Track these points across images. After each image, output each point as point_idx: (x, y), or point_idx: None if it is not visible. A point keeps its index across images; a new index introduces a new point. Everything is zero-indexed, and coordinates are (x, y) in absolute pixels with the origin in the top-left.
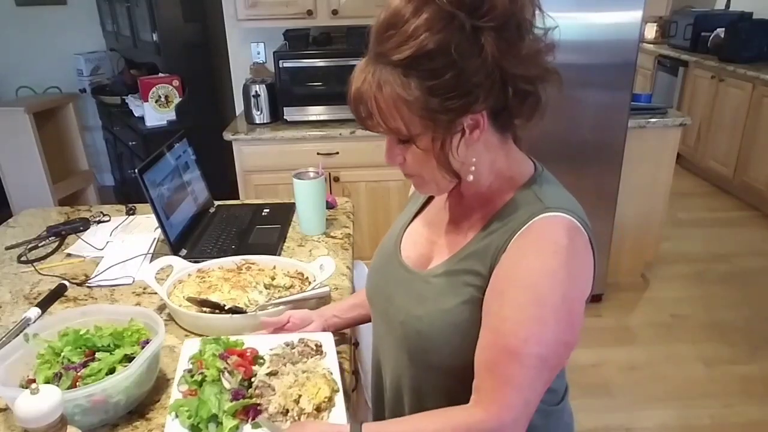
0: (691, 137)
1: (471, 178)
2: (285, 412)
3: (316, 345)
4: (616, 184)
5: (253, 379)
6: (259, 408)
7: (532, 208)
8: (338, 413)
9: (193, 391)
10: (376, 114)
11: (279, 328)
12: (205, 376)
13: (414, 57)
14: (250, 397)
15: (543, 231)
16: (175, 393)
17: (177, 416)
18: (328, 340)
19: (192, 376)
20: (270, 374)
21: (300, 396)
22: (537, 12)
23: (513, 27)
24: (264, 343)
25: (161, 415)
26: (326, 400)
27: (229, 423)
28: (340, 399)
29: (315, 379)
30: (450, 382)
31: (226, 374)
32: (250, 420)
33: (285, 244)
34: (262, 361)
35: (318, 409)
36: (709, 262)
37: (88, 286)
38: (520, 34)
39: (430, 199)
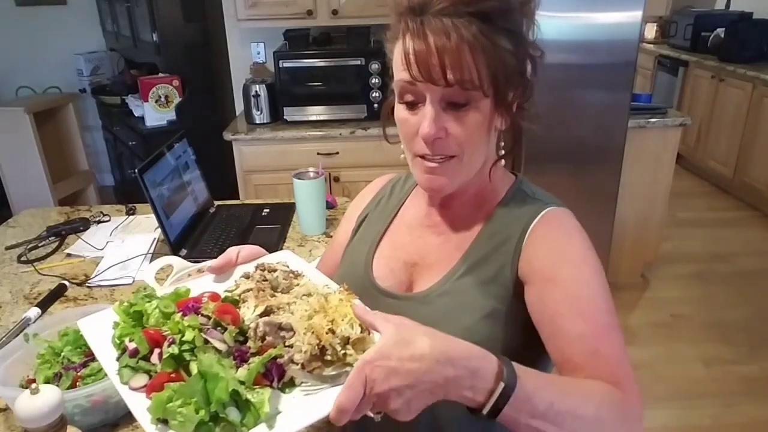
0: (691, 137)
1: (503, 163)
2: (321, 353)
3: (286, 267)
4: (616, 184)
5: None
6: (279, 362)
7: (531, 207)
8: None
9: (171, 375)
10: (466, 64)
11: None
12: (185, 342)
13: (497, 11)
14: (257, 352)
15: (558, 219)
16: (128, 395)
17: (163, 423)
18: (293, 258)
19: (144, 357)
20: (264, 314)
21: (333, 322)
22: None
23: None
24: (216, 286)
25: None
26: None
27: (259, 397)
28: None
29: (332, 300)
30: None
31: (213, 332)
32: (276, 382)
33: (285, 244)
34: (236, 301)
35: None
36: (709, 262)
37: (88, 286)
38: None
39: (393, 218)
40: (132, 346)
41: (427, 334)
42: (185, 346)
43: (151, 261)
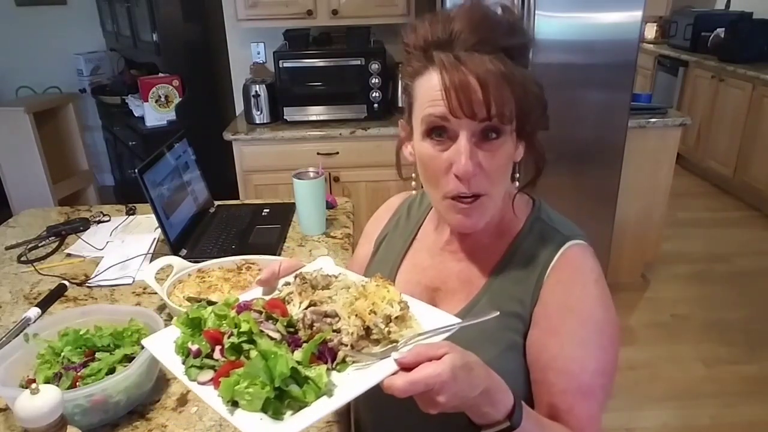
0: (691, 137)
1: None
2: (367, 333)
3: (323, 272)
4: (616, 184)
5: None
6: (330, 345)
7: (553, 239)
8: (430, 312)
9: (234, 363)
10: (506, 98)
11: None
12: (243, 332)
13: (520, 47)
14: (308, 340)
15: (577, 261)
16: (199, 389)
17: (233, 405)
18: (331, 266)
19: (208, 355)
20: (309, 306)
21: (374, 304)
22: None
23: None
24: (257, 295)
25: (161, 415)
26: (402, 302)
27: (316, 372)
28: (416, 301)
29: (370, 288)
30: None
31: (266, 323)
32: (331, 363)
33: (285, 244)
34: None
35: (400, 315)
36: (709, 262)
37: (88, 286)
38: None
39: (412, 240)
40: (194, 347)
41: (480, 364)
42: (243, 337)
43: (151, 261)
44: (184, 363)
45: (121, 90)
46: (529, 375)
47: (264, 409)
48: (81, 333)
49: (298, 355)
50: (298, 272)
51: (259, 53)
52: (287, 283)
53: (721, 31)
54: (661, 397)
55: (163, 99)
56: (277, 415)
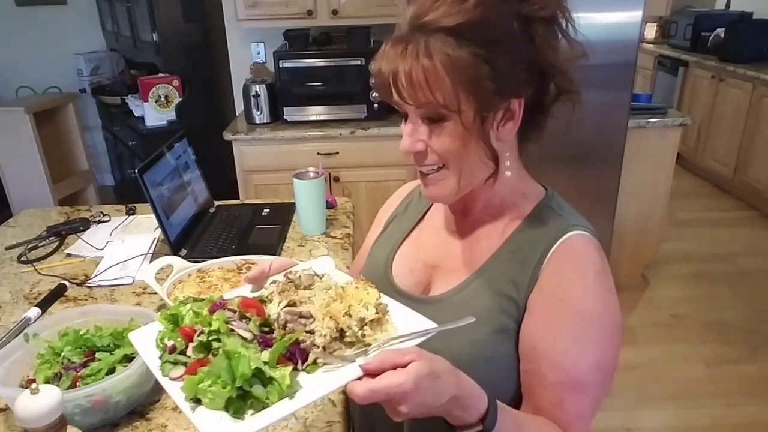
0: (691, 137)
1: (508, 173)
2: (341, 335)
3: (311, 272)
4: (616, 184)
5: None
6: (302, 346)
7: (557, 226)
8: (409, 316)
9: (202, 361)
10: (420, 85)
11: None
12: (212, 331)
13: (467, 24)
14: (281, 337)
15: (578, 250)
16: (168, 384)
17: (197, 403)
18: (321, 266)
19: (182, 352)
20: (288, 306)
21: (350, 307)
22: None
23: (561, 24)
24: (246, 292)
25: (161, 415)
26: (381, 305)
27: (280, 373)
28: (397, 304)
29: (349, 290)
30: None
31: (238, 322)
32: (301, 365)
33: (285, 244)
34: (263, 301)
35: (376, 318)
36: (709, 262)
37: (88, 286)
38: (565, 34)
39: (419, 220)
40: (170, 343)
41: (449, 371)
42: (213, 336)
43: (151, 261)
44: (161, 358)
45: (121, 90)
46: (518, 363)
47: (226, 408)
48: (81, 333)
49: (266, 354)
50: (287, 271)
51: (259, 53)
52: (275, 282)
53: (721, 31)
54: (661, 397)
55: (163, 99)
56: (238, 415)
